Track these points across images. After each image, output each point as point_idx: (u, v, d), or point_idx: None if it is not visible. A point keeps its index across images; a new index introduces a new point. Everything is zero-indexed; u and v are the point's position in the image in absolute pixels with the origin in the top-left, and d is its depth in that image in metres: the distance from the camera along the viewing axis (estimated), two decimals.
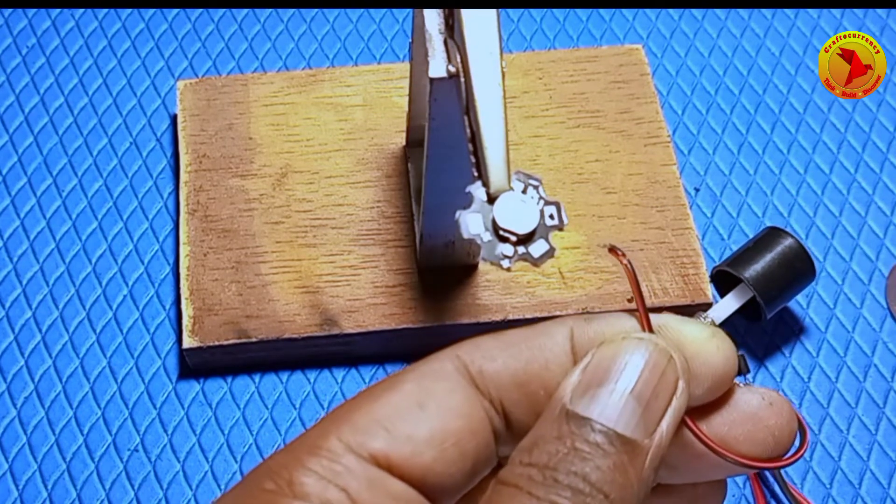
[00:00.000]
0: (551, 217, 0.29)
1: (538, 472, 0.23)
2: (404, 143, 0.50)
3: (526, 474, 0.23)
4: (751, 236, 0.51)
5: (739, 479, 0.45)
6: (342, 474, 0.24)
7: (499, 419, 0.26)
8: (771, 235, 0.46)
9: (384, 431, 0.24)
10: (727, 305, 0.44)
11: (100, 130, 0.54)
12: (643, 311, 0.26)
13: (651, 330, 0.26)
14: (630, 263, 0.27)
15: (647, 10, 0.58)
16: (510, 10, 0.58)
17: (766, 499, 0.44)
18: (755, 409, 0.26)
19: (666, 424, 0.24)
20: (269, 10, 0.58)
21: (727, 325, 0.44)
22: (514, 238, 0.29)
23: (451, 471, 0.25)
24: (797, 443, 0.31)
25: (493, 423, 0.26)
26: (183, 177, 0.49)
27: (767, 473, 0.44)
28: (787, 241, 0.45)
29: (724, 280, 0.46)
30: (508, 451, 0.27)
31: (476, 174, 0.31)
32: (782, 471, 0.45)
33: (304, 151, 0.50)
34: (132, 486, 0.45)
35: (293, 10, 0.58)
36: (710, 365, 0.26)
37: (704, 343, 0.26)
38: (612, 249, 0.27)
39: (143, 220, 0.51)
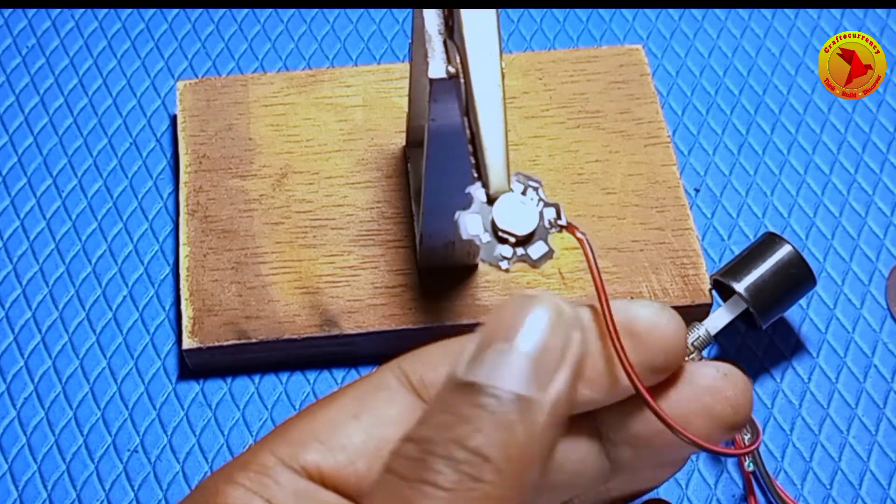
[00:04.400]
0: (550, 222, 0.29)
1: (414, 448, 0.22)
2: (404, 143, 0.50)
3: (403, 453, 0.22)
4: (751, 238, 0.51)
5: (738, 483, 0.45)
6: (269, 486, 0.23)
7: None
8: (768, 243, 0.45)
9: (318, 443, 0.24)
10: (721, 317, 0.44)
11: (99, 131, 0.54)
12: (600, 286, 0.26)
13: (608, 307, 0.25)
14: (587, 239, 0.27)
15: (647, 11, 0.58)
16: (510, 11, 0.58)
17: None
18: (711, 381, 0.26)
19: (562, 377, 0.23)
20: (269, 11, 0.58)
21: (726, 333, 0.44)
22: (513, 239, 0.29)
23: None
24: (749, 435, 0.30)
25: None
26: (183, 177, 0.49)
27: (759, 476, 0.44)
28: (785, 249, 0.44)
29: (722, 287, 0.46)
30: None
31: (476, 175, 0.31)
32: (775, 478, 0.45)
33: (303, 152, 0.50)
34: (132, 486, 0.45)
35: (293, 10, 0.58)
36: (663, 337, 0.25)
37: (654, 317, 0.25)
38: (570, 226, 0.27)
39: (143, 220, 0.51)
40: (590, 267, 0.26)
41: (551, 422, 0.22)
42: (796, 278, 0.44)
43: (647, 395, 0.25)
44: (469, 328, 0.47)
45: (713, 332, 0.43)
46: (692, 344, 0.43)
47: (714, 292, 0.47)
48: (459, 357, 0.23)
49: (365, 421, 0.24)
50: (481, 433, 0.21)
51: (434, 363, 0.26)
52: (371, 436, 0.24)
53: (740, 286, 0.44)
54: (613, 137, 0.51)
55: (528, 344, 0.23)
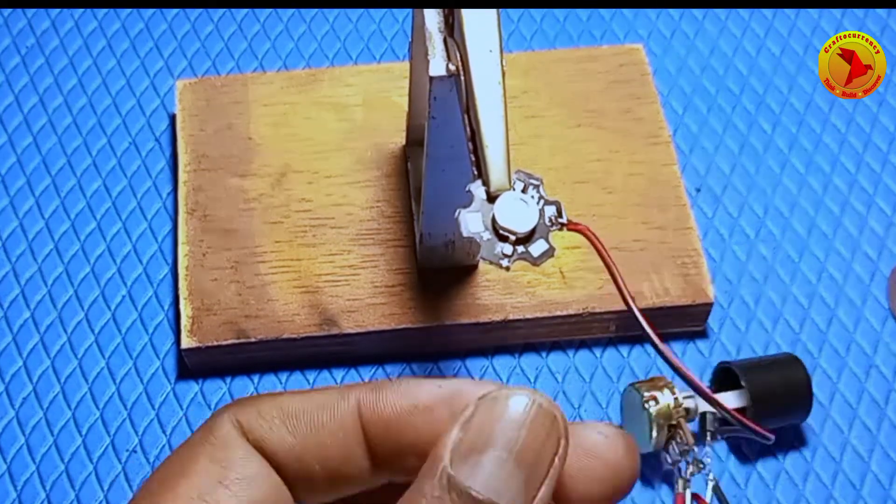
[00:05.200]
0: (551, 220, 0.29)
1: None
2: (404, 142, 0.50)
3: None
4: (752, 237, 0.51)
5: None
6: None
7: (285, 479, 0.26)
8: (789, 365, 0.45)
9: None
10: (724, 398, 0.43)
11: (99, 130, 0.53)
12: (619, 282, 0.25)
13: (629, 295, 0.25)
14: (596, 237, 0.27)
15: (648, 10, 0.58)
16: (510, 10, 0.58)
17: None
18: (592, 443, 0.25)
19: (546, 488, 0.23)
20: (268, 10, 0.58)
21: (726, 332, 0.44)
22: (513, 237, 0.29)
23: None
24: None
25: (286, 482, 0.25)
26: (182, 176, 0.49)
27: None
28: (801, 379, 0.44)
29: (728, 374, 0.45)
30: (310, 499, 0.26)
31: (476, 173, 0.31)
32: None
33: (303, 151, 0.50)
34: (131, 487, 0.45)
35: (293, 10, 0.58)
36: (619, 469, 0.25)
37: (610, 443, 0.25)
38: (570, 223, 0.27)
39: (142, 219, 0.51)
40: (598, 252, 0.26)
41: None
42: (796, 408, 0.45)
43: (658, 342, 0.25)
44: (469, 327, 0.47)
45: (703, 409, 0.43)
46: (681, 408, 0.43)
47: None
48: (445, 439, 0.23)
49: (232, 486, 0.24)
50: None
51: (273, 425, 0.25)
52: (242, 501, 0.24)
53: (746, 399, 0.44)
54: (614, 137, 0.51)
55: (527, 457, 0.23)
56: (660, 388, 0.43)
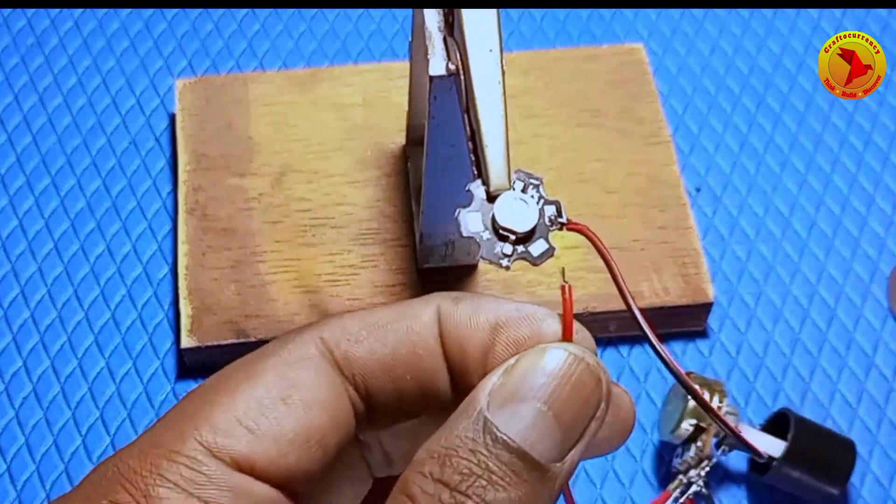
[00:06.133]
0: (551, 219, 0.29)
1: (449, 496, 0.22)
2: (404, 142, 0.50)
3: (437, 494, 0.22)
4: (752, 237, 0.51)
5: (653, 483, 0.45)
6: (205, 485, 0.22)
7: (362, 405, 0.25)
8: (839, 444, 0.44)
9: (247, 432, 0.23)
10: (755, 437, 0.43)
11: (98, 130, 0.53)
12: (620, 282, 0.26)
13: (629, 295, 0.25)
14: (596, 236, 0.27)
15: (648, 10, 0.58)
16: (510, 10, 0.58)
17: None
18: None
19: (579, 449, 0.23)
20: (268, 10, 0.58)
21: (727, 332, 0.43)
22: (513, 237, 0.28)
23: (314, 468, 0.24)
24: None
25: (356, 408, 0.25)
26: (182, 176, 0.49)
27: None
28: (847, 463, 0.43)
29: (781, 420, 0.44)
30: (369, 435, 0.26)
31: (476, 172, 0.31)
32: None
33: (303, 150, 0.50)
34: None
35: (293, 9, 0.58)
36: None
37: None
38: (570, 223, 0.27)
39: (142, 219, 0.51)
40: (599, 251, 0.26)
41: (559, 491, 0.23)
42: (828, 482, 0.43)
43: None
44: None
45: (739, 433, 0.43)
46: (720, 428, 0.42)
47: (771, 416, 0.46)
48: (484, 382, 0.23)
49: (293, 406, 0.24)
50: (506, 494, 0.22)
51: (358, 338, 0.25)
52: (301, 424, 0.24)
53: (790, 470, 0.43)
54: (614, 136, 0.51)
55: (567, 414, 0.23)
56: (711, 389, 0.43)
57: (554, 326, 0.25)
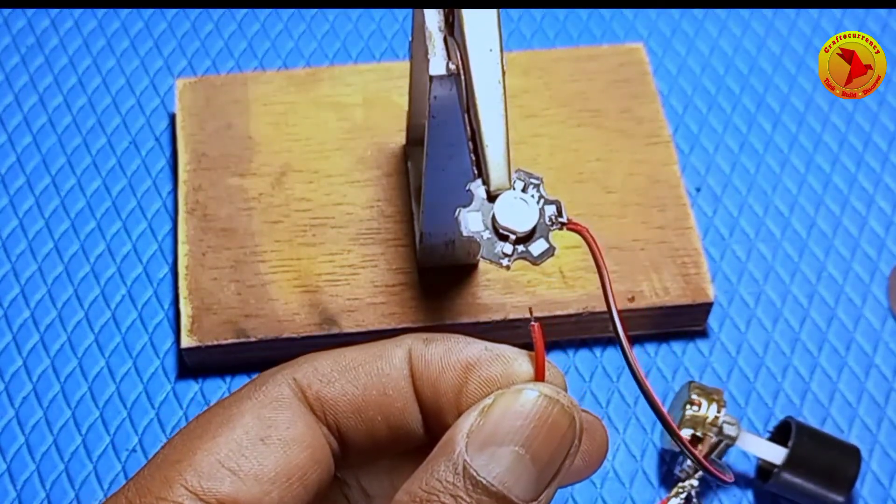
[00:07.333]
0: (551, 219, 0.29)
1: None
2: (404, 141, 0.50)
3: None
4: (752, 237, 0.51)
5: (653, 483, 0.45)
6: None
7: (336, 444, 0.26)
8: (847, 457, 0.43)
9: (230, 474, 0.24)
10: (754, 445, 0.43)
11: (98, 129, 0.53)
12: (606, 283, 0.26)
13: (613, 294, 0.26)
14: (593, 239, 0.27)
15: (648, 10, 0.58)
16: (510, 10, 0.58)
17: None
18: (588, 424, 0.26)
19: (554, 486, 0.24)
20: (268, 10, 0.58)
21: (727, 333, 0.43)
22: (513, 236, 0.28)
23: None
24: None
25: (331, 447, 0.25)
26: (182, 176, 0.49)
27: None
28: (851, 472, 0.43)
29: (784, 429, 0.44)
30: (346, 473, 0.27)
31: (476, 172, 0.31)
32: None
33: (303, 150, 0.50)
34: None
35: (293, 9, 0.58)
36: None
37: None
38: (571, 223, 0.27)
39: (142, 219, 0.51)
40: (592, 252, 0.26)
41: None
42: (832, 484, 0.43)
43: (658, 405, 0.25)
44: (469, 327, 0.47)
45: (736, 442, 0.43)
46: (716, 427, 0.42)
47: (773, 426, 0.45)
48: (461, 423, 0.23)
49: (272, 445, 0.24)
50: None
51: (329, 377, 0.26)
52: (281, 463, 0.24)
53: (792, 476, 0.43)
54: (614, 136, 0.51)
55: (544, 455, 0.23)
56: (709, 399, 0.43)
57: (525, 366, 0.26)
